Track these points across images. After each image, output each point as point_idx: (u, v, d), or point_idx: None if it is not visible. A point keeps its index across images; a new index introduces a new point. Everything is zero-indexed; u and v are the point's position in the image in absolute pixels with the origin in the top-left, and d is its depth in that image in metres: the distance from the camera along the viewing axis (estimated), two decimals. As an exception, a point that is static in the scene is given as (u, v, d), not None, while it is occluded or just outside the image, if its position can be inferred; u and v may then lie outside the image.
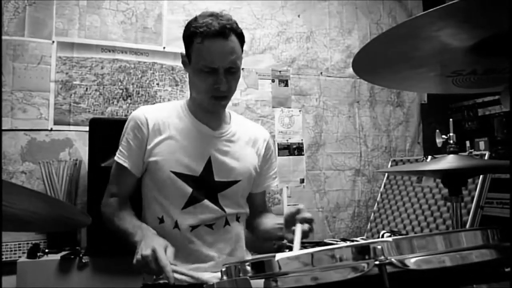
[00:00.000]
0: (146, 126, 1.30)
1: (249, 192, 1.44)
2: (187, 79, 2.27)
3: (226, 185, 1.34)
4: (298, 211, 1.20)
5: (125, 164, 1.30)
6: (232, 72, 1.26)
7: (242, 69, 1.47)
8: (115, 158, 1.33)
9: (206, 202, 1.31)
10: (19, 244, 1.90)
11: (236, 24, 1.26)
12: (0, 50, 1.76)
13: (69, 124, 2.07)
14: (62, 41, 2.09)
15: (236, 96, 2.31)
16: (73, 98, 2.08)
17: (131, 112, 1.36)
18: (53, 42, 2.07)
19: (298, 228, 1.15)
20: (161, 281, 1.28)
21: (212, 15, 1.23)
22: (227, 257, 1.33)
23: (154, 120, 1.31)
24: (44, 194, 0.94)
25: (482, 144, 2.55)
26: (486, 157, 1.96)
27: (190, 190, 1.29)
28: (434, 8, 0.67)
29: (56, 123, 2.05)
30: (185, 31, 1.29)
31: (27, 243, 1.89)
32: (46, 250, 1.83)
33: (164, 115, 1.33)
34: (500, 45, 0.79)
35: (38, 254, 1.79)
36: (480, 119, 2.63)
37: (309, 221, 1.18)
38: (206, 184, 1.31)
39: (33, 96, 2.02)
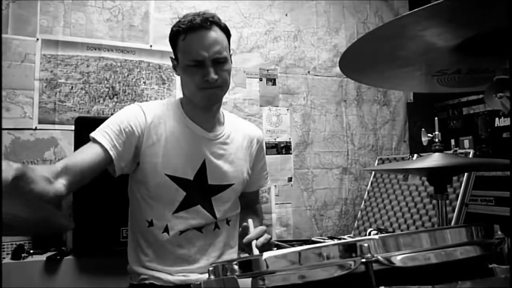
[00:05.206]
0: (144, 122, 1.25)
1: (240, 193, 1.44)
2: (174, 78, 2.27)
3: (219, 188, 1.33)
4: (244, 232, 1.16)
5: (106, 145, 1.15)
6: (220, 63, 1.23)
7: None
8: (93, 135, 1.18)
9: (199, 207, 1.30)
10: (2, 245, 1.87)
11: (219, 19, 1.26)
12: (0, 50, 1.71)
13: (54, 123, 2.04)
14: (46, 39, 2.05)
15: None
16: (58, 97, 2.05)
17: (117, 111, 1.31)
18: (37, 39, 2.04)
19: (255, 250, 1.12)
20: (147, 282, 1.27)
21: (195, 14, 1.24)
22: (216, 260, 1.32)
23: (151, 119, 1.26)
24: (25, 172, 0.93)
25: (466, 143, 2.59)
26: (470, 155, 1.98)
27: (183, 194, 1.27)
28: (420, 8, 0.68)
29: (40, 122, 2.02)
30: (170, 33, 1.28)
31: (11, 244, 1.85)
32: (31, 251, 1.81)
33: (159, 115, 1.29)
34: (484, 45, 0.80)
35: (23, 255, 1.76)
36: (464, 117, 2.67)
37: (260, 236, 1.15)
38: (200, 188, 1.29)
39: (17, 94, 1.99)
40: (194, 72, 1.23)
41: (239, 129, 1.44)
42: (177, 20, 1.27)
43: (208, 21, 1.20)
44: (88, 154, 1.14)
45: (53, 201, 1.02)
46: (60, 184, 1.04)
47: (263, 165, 1.51)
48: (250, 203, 1.53)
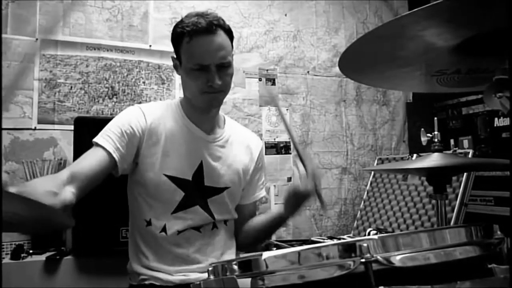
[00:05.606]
0: (144, 123, 1.25)
1: (239, 198, 1.43)
2: (174, 77, 2.27)
3: (215, 191, 1.33)
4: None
5: (109, 148, 1.17)
6: (224, 67, 1.23)
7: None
8: (95, 140, 1.19)
9: (198, 208, 1.30)
10: (2, 245, 1.87)
11: (223, 21, 1.25)
12: (0, 50, 1.71)
13: (53, 123, 2.04)
14: (46, 39, 2.05)
15: (223, 95, 2.31)
16: (57, 97, 2.05)
17: (117, 111, 1.32)
18: (37, 39, 2.04)
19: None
20: (147, 282, 1.27)
21: (198, 14, 1.22)
22: (215, 260, 1.32)
23: (151, 120, 1.27)
24: (24, 195, 0.92)
25: (466, 142, 2.59)
26: (469, 155, 1.98)
27: (182, 194, 1.27)
28: (419, 8, 0.68)
29: (40, 122, 2.02)
30: (172, 33, 1.27)
31: (11, 244, 1.85)
32: (31, 251, 1.80)
33: (159, 115, 1.29)
34: (483, 45, 0.80)
35: (22, 255, 1.75)
36: (464, 117, 2.67)
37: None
38: (197, 188, 1.29)
39: (16, 94, 1.98)
40: (197, 76, 1.23)
41: (239, 135, 1.44)
42: (179, 19, 1.26)
43: (213, 25, 1.19)
44: (93, 159, 1.16)
45: (63, 211, 1.02)
46: (68, 192, 1.05)
47: (260, 175, 1.50)
48: (249, 217, 1.49)
